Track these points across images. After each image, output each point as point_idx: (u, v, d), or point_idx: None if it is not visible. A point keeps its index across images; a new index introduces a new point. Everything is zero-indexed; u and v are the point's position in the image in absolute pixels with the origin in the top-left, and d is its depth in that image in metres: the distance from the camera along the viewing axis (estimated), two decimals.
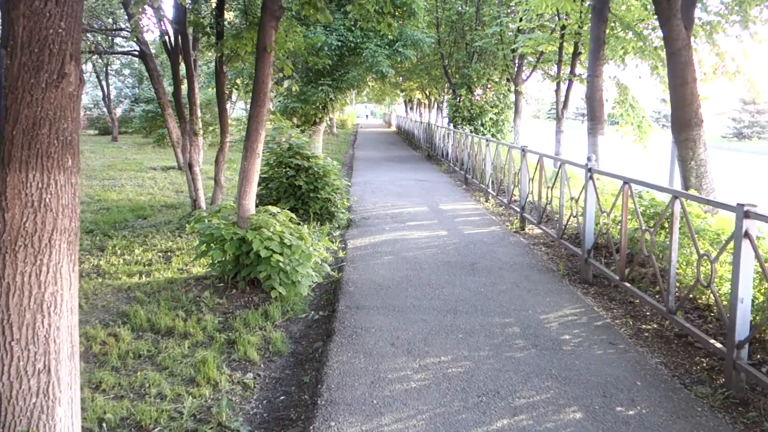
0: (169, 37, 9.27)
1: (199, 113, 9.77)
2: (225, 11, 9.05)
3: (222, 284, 6.64)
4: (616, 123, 13.78)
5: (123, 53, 17.26)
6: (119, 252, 7.91)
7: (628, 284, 6.13)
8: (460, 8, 22.01)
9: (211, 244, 6.44)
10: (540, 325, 5.57)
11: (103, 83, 25.26)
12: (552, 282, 7.01)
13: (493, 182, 12.93)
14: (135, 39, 12.69)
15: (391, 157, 24.12)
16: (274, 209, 6.81)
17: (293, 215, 7.10)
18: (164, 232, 8.99)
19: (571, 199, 7.77)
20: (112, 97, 29.99)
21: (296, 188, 10.32)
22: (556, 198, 8.70)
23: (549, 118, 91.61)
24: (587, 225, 7.05)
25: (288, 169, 10.49)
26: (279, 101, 19.25)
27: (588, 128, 12.26)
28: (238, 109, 35.82)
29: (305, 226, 6.97)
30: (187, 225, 7.54)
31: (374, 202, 12.67)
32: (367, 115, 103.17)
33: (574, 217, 7.79)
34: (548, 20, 18.93)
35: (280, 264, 6.09)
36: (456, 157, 18.00)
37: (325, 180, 10.40)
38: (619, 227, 6.77)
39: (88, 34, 14.70)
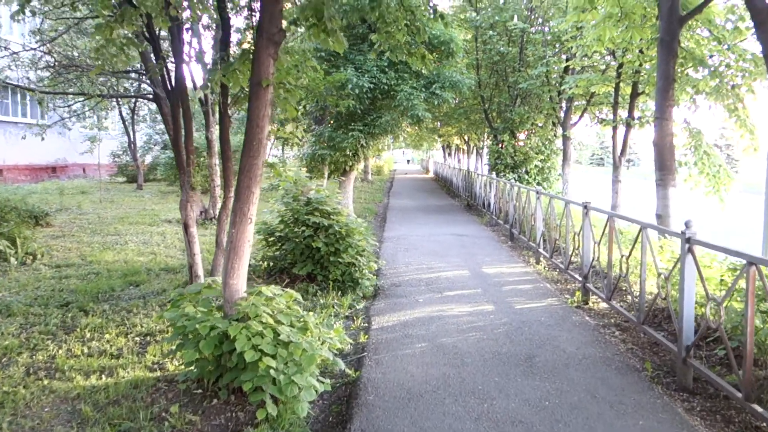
0: (167, 74, 7.90)
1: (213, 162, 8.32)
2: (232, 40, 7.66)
3: (200, 390, 5.02)
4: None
5: (135, 97, 16.12)
6: (88, 336, 6.36)
7: (758, 407, 4.34)
8: (502, 48, 20.55)
9: (187, 339, 4.87)
10: None
11: (129, 129, 24.27)
12: (639, 390, 5.23)
13: (544, 240, 11.19)
14: (148, 81, 11.44)
15: (428, 207, 22.50)
16: (271, 290, 5.20)
17: (299, 296, 5.48)
18: (152, 306, 7.45)
19: (659, 275, 6.03)
20: (142, 143, 29.15)
21: (315, 250, 8.77)
22: (632, 268, 6.97)
23: (592, 164, 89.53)
24: (685, 312, 5.29)
25: (305, 228, 8.95)
26: (307, 148, 17.91)
27: (657, 179, 10.48)
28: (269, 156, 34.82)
29: (309, 314, 5.35)
30: (166, 309, 5.94)
31: (407, 264, 11.02)
32: (408, 161, 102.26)
33: (662, 299, 6.03)
34: (598, 60, 17.34)
35: (272, 372, 4.46)
36: (499, 208, 16.30)
37: (347, 241, 8.81)
38: (732, 317, 5.01)
39: (99, 77, 13.57)
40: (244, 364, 4.55)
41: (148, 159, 30.08)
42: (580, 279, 8.41)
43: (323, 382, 4.84)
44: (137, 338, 6.36)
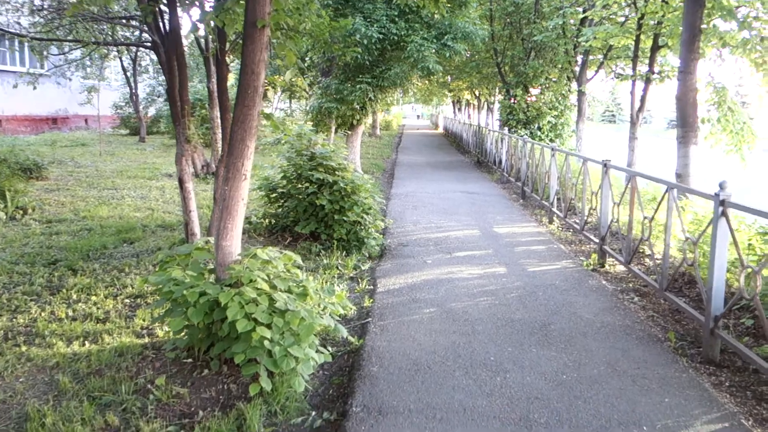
0: (162, 18, 7.37)
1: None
2: None
3: (190, 359, 4.67)
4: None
5: (132, 45, 15.52)
6: (74, 298, 6.00)
7: None
8: None
9: (175, 305, 4.49)
10: None
11: (131, 80, 23.65)
12: (663, 363, 4.85)
13: (558, 199, 10.73)
14: (145, 28, 10.88)
15: (437, 163, 21.99)
16: (268, 252, 4.79)
17: (298, 258, 5.08)
18: (145, 265, 7.08)
19: (686, 239, 5.59)
20: (145, 94, 28.54)
21: (318, 208, 8.35)
22: (654, 231, 6.53)
23: (603, 120, 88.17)
24: (715, 280, 4.87)
25: (309, 184, 8.53)
26: (313, 101, 17.37)
27: (678, 136, 9.97)
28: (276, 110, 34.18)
29: (310, 278, 4.94)
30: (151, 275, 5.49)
31: (415, 222, 10.61)
32: (418, 116, 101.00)
33: (688, 265, 5.61)
34: (617, 11, 16.58)
35: (266, 343, 4.08)
36: (511, 165, 15.80)
37: (353, 198, 8.39)
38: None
39: (93, 24, 12.97)
40: (236, 333, 4.17)
41: (152, 111, 29.51)
42: (597, 241, 7.99)
43: (323, 353, 4.47)
44: (127, 300, 6.00)
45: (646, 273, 7.17)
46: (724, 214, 4.79)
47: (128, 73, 23.66)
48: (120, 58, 22.80)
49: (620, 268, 7.68)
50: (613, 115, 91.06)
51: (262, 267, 4.68)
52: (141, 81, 26.23)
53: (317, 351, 4.45)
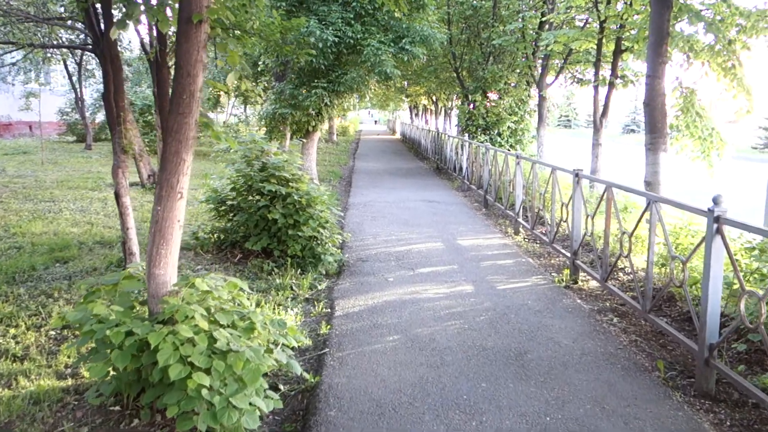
0: (90, 17, 6.67)
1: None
2: None
3: (118, 407, 4.00)
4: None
5: (71, 47, 14.64)
6: None
7: None
8: (474, 2, 19.36)
9: (100, 346, 3.83)
10: None
11: (77, 84, 22.57)
12: (654, 399, 4.35)
13: (524, 209, 10.28)
14: (84, 30, 10.09)
15: (396, 170, 21.46)
16: (207, 282, 4.15)
17: (245, 285, 4.46)
18: (77, 290, 6.35)
19: (672, 258, 5.13)
20: (93, 100, 27.37)
21: (271, 222, 7.72)
22: (632, 246, 6.07)
23: (559, 125, 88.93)
24: (710, 306, 4.39)
25: (260, 197, 7.89)
26: (266, 106, 16.70)
27: (646, 143, 9.58)
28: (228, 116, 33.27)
29: (258, 310, 4.29)
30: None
31: (375, 235, 10.03)
32: (376, 121, 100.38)
33: (676, 286, 5.15)
34: (578, 14, 16.30)
35: (204, 392, 3.46)
36: (472, 172, 15.35)
37: (308, 212, 7.77)
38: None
39: (30, 25, 12.13)
40: (170, 380, 3.54)
41: (100, 117, 28.36)
42: (569, 255, 7.53)
43: (272, 398, 3.86)
44: (52, 332, 5.28)
45: (623, 289, 6.73)
46: (719, 231, 4.33)
47: (74, 78, 22.58)
48: (64, 62, 21.72)
49: (594, 284, 7.23)
50: (568, 120, 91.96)
51: (202, 299, 4.05)
52: (88, 86, 25.18)
53: (265, 396, 3.83)
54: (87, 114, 23.83)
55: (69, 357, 4.79)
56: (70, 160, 18.87)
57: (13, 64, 19.45)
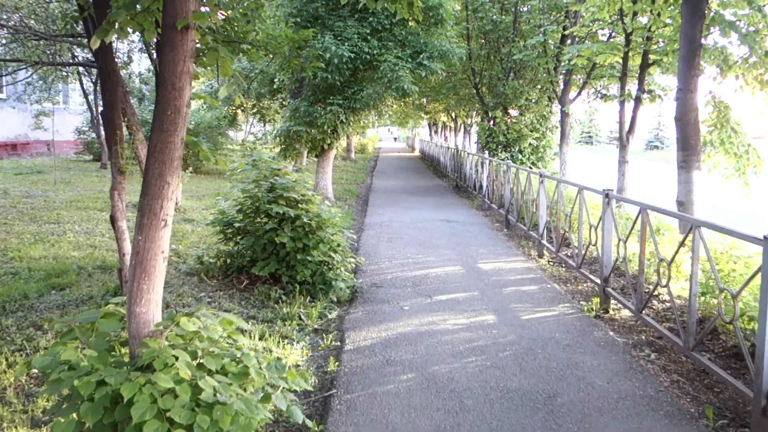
0: (88, 30, 6.30)
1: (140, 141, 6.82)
2: None
3: None
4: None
5: (74, 64, 14.40)
6: None
7: None
8: (494, 17, 18.92)
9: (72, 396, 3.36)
10: None
11: (92, 103, 22.39)
12: None
13: (548, 230, 9.73)
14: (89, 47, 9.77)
15: (414, 188, 20.97)
16: (196, 319, 3.67)
17: (242, 323, 3.98)
18: (51, 329, 5.90)
19: (720, 291, 4.57)
20: None
21: (279, 246, 7.25)
22: (671, 273, 5.51)
23: (580, 142, 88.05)
24: (767, 349, 3.85)
25: (268, 219, 7.44)
26: (281, 124, 16.36)
27: (679, 161, 9.05)
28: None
29: (252, 353, 3.77)
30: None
31: (390, 257, 9.54)
32: (395, 139, 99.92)
33: (726, 323, 4.60)
34: (602, 27, 15.79)
35: None
36: (492, 191, 14.81)
37: (318, 235, 7.30)
38: None
39: (36, 42, 11.87)
40: None
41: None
42: (598, 282, 6.97)
43: None
44: (35, 371, 4.83)
45: (658, 319, 6.17)
46: None
47: (90, 96, 22.41)
48: (80, 80, 21.56)
49: (626, 312, 6.67)
50: (589, 137, 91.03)
51: (189, 340, 3.58)
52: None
53: None
54: (102, 132, 23.63)
55: (48, 401, 4.33)
56: (83, 179, 18.61)
57: (29, 83, 19.29)
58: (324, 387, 4.84)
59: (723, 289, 4.54)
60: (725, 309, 4.63)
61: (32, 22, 12.77)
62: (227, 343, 3.89)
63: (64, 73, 19.78)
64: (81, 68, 20.11)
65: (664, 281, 5.45)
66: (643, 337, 5.96)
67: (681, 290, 6.46)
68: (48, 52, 12.57)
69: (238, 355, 3.70)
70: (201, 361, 3.49)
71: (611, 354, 5.48)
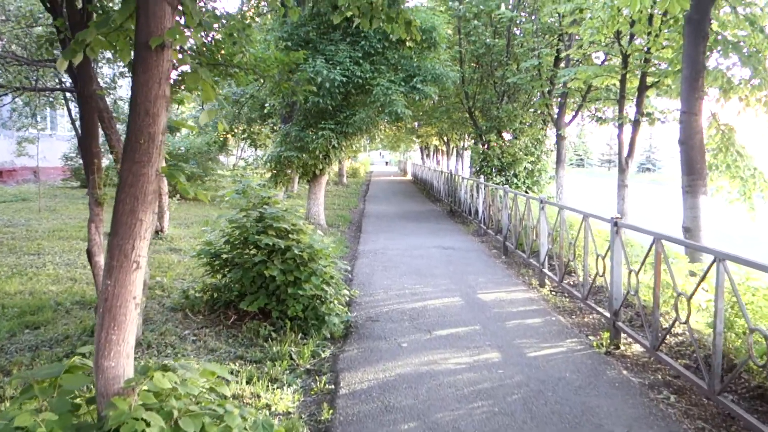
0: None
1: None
2: None
3: None
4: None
5: (55, 89, 13.99)
6: None
7: None
8: (488, 40, 18.70)
9: None
10: None
11: (79, 129, 21.97)
12: None
13: (550, 258, 9.36)
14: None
15: (408, 214, 20.59)
16: (171, 375, 3.25)
17: (225, 373, 3.57)
18: (40, 363, 5.47)
19: (751, 331, 4.19)
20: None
21: (269, 279, 6.83)
22: (690, 310, 5.12)
23: (571, 164, 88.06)
24: None
25: (256, 250, 7.03)
26: (271, 149, 16.01)
27: (684, 185, 8.73)
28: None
29: (235, 411, 3.34)
30: None
31: (386, 288, 9.13)
32: (387, 162, 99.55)
33: (759, 367, 4.21)
34: (598, 49, 15.58)
35: None
36: (489, 216, 14.44)
37: (310, 267, 6.89)
38: None
39: (18, 68, 11.52)
40: None
41: (106, 161, 27.76)
42: (608, 315, 6.58)
43: None
44: None
45: (672, 354, 5.78)
46: None
47: (77, 122, 21.97)
48: (67, 106, 21.15)
49: (638, 347, 6.28)
50: (581, 160, 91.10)
51: (164, 397, 3.16)
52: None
53: None
54: None
55: None
56: (68, 207, 18.16)
57: (14, 109, 18.88)
58: None
59: (754, 329, 4.16)
60: (758, 351, 4.24)
61: (14, 46, 12.45)
62: (209, 397, 3.48)
63: (50, 99, 19.38)
64: (69, 93, 19.75)
65: (683, 317, 5.06)
66: (659, 377, 5.56)
67: (695, 325, 6.06)
68: (30, 77, 12.19)
69: (221, 413, 3.28)
70: (178, 422, 3.07)
71: (627, 396, 5.07)
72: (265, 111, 20.64)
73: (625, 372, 5.67)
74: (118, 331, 3.16)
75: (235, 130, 25.44)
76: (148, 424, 2.85)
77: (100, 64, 10.72)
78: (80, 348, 3.85)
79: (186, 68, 4.11)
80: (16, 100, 17.40)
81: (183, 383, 3.26)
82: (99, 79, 10.43)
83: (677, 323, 5.29)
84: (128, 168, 3.15)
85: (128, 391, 3.15)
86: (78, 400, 3.32)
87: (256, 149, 34.44)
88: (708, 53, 9.94)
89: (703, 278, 4.87)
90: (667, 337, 6.38)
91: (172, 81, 5.13)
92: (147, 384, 3.15)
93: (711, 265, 4.62)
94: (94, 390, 3.29)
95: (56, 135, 28.98)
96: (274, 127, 22.16)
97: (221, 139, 24.68)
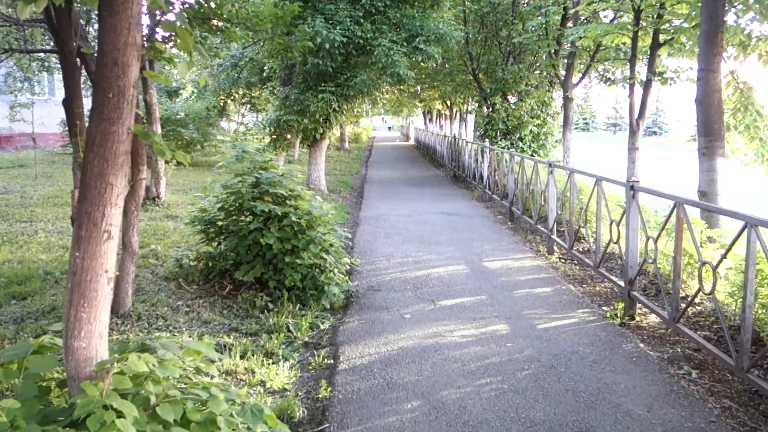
0: (48, 11, 5.54)
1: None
2: None
3: None
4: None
5: (40, 51, 13.48)
6: None
7: None
8: None
9: None
10: None
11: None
12: None
13: (558, 224, 9.00)
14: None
15: (411, 179, 20.21)
16: (148, 355, 2.92)
17: (211, 352, 3.25)
18: (25, 337, 5.18)
19: None
20: None
21: (265, 247, 6.50)
22: (713, 279, 4.77)
23: (576, 128, 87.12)
24: None
25: (252, 217, 6.68)
26: (271, 113, 15.57)
27: (700, 146, 8.32)
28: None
29: (221, 395, 3.02)
30: None
31: (389, 255, 8.81)
32: (390, 128, 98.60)
33: None
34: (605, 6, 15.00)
35: None
36: (494, 182, 14.06)
37: (309, 235, 6.55)
38: None
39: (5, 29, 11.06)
40: None
41: None
42: (623, 284, 6.24)
43: None
44: None
45: (690, 325, 5.45)
46: None
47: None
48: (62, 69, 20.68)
49: (653, 318, 5.96)
50: (586, 123, 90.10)
51: (140, 381, 2.84)
52: (89, 95, 24.08)
53: None
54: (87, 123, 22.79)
55: None
56: (66, 173, 17.78)
57: (8, 74, 18.45)
58: (314, 419, 4.11)
59: None
60: None
61: (2, 7, 11.96)
62: (193, 380, 3.16)
63: (45, 63, 18.90)
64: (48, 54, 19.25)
65: (706, 287, 4.71)
66: (679, 350, 5.24)
67: (723, 295, 5.73)
68: (19, 39, 11.74)
69: (205, 397, 2.96)
70: (157, 407, 2.76)
71: (646, 372, 4.75)
72: (265, 74, 20.13)
73: (642, 345, 5.35)
74: (89, 308, 2.82)
75: (235, 95, 24.95)
76: (119, 414, 2.53)
77: (92, 22, 10.27)
78: (54, 325, 3.53)
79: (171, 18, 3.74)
80: (11, 64, 16.96)
81: (162, 365, 2.94)
82: (90, 38, 9.96)
83: (700, 294, 4.93)
84: (96, 126, 2.78)
85: (102, 375, 2.82)
86: (47, 384, 3.00)
87: (257, 114, 33.96)
88: (726, 7, 9.46)
89: (732, 245, 4.50)
90: (683, 305, 6.07)
91: (160, 39, 4.74)
92: (121, 366, 2.82)
93: (741, 231, 4.26)
94: (65, 373, 2.98)
95: (54, 100, 28.47)
96: (274, 91, 21.66)
97: (221, 104, 24.18)
